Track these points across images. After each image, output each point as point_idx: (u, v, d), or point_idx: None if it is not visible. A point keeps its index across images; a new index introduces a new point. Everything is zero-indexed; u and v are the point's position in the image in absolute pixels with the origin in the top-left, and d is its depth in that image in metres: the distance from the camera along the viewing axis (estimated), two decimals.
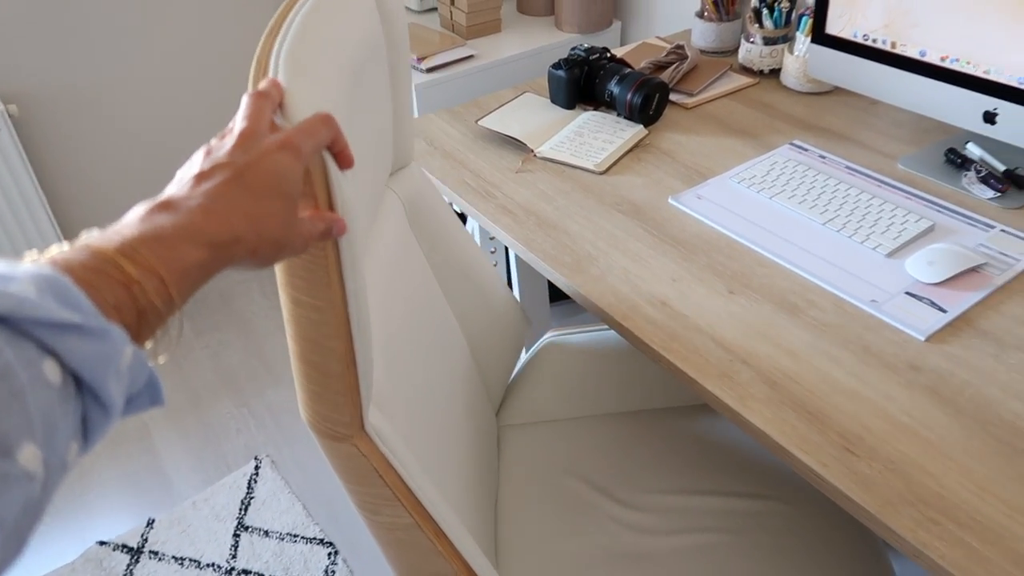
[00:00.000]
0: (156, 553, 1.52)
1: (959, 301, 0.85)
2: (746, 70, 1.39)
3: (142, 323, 0.39)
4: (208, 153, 0.47)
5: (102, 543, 1.55)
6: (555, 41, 1.81)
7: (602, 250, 0.98)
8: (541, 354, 1.18)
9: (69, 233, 2.00)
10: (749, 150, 1.17)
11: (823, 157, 1.12)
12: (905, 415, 0.73)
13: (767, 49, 1.35)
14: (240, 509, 1.60)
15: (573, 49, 1.30)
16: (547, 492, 1.01)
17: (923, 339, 0.81)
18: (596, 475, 1.02)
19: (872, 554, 0.91)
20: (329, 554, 1.50)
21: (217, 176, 0.45)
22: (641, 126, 1.22)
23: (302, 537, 1.53)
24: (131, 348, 0.37)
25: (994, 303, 0.85)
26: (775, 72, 1.37)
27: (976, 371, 0.77)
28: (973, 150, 1.09)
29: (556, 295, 1.77)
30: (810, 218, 0.99)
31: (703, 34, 1.46)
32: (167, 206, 0.42)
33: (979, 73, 1.01)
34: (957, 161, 1.07)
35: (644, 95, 1.20)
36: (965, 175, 1.05)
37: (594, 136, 1.20)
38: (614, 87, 1.23)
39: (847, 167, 1.10)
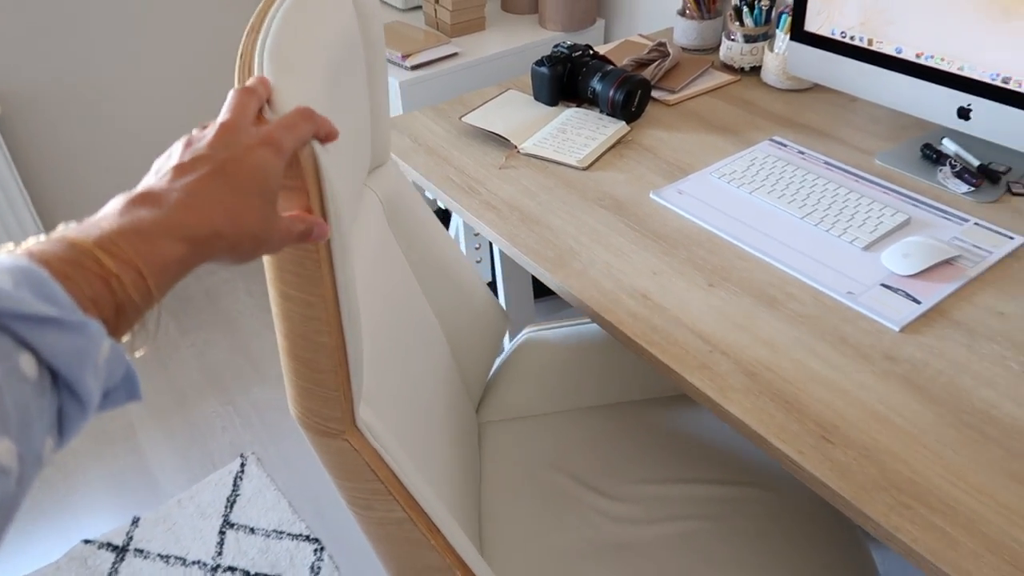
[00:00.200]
0: (141, 551, 1.52)
1: (933, 293, 0.87)
2: (727, 67, 1.41)
3: (120, 317, 0.39)
4: (188, 144, 0.47)
5: (87, 542, 1.55)
6: (539, 39, 1.82)
7: (584, 245, 0.99)
8: (519, 350, 1.19)
9: (51, 228, 2.00)
10: (730, 146, 1.18)
11: (802, 153, 1.14)
12: (880, 404, 0.75)
13: (748, 47, 1.36)
14: (226, 506, 1.60)
15: (556, 46, 1.31)
16: (529, 487, 1.02)
17: (898, 330, 0.82)
18: (577, 468, 1.03)
19: (849, 535, 0.93)
20: (315, 550, 1.50)
21: (198, 169, 0.45)
22: (623, 123, 1.24)
23: (288, 534, 1.53)
24: (108, 342, 0.37)
25: (967, 294, 0.87)
26: (756, 69, 1.38)
27: (949, 361, 0.79)
28: (948, 146, 1.11)
29: (540, 291, 1.78)
30: (789, 212, 1.01)
31: (685, 32, 1.48)
32: (146, 199, 0.42)
33: (953, 69, 1.03)
34: (933, 156, 1.09)
35: (626, 92, 1.21)
36: (940, 170, 1.07)
37: (577, 132, 1.21)
38: (596, 84, 1.24)
39: (825, 162, 1.11)
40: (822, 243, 0.95)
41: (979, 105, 1.01)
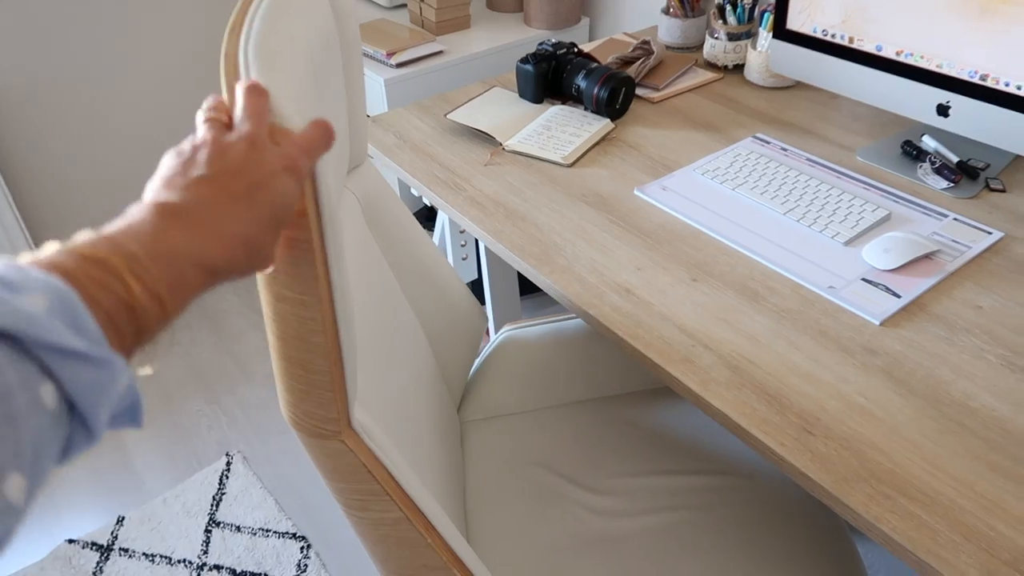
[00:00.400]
0: (126, 550, 1.51)
1: (913, 287, 0.88)
2: (711, 65, 1.42)
3: (136, 341, 0.39)
4: (215, 147, 0.46)
5: (71, 541, 1.54)
6: (524, 37, 1.83)
7: (569, 240, 0.99)
8: (499, 349, 1.19)
9: (35, 230, 1.98)
10: (713, 143, 1.19)
11: (784, 149, 1.15)
12: (860, 396, 0.76)
13: (731, 45, 1.37)
14: (211, 505, 1.59)
15: (541, 44, 1.31)
16: (513, 484, 1.02)
17: (878, 323, 0.83)
18: (560, 464, 1.04)
19: (831, 523, 0.94)
20: (302, 548, 1.50)
21: (226, 188, 0.44)
22: (608, 120, 1.24)
23: (274, 532, 1.53)
24: (127, 375, 0.36)
25: (946, 288, 0.88)
26: (739, 67, 1.40)
27: (928, 353, 0.80)
28: (928, 142, 1.12)
29: (526, 288, 1.79)
30: (771, 208, 1.02)
31: (669, 30, 1.49)
32: (178, 217, 0.41)
33: (932, 67, 1.04)
34: (913, 153, 1.10)
35: (610, 89, 1.22)
36: (920, 166, 1.08)
37: (561, 129, 1.22)
38: (581, 81, 1.25)
39: (807, 159, 1.12)
40: (804, 238, 0.96)
41: (958, 102, 1.03)
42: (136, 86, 2.03)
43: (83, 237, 0.39)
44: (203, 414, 1.83)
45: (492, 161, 1.18)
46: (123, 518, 1.58)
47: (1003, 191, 1.04)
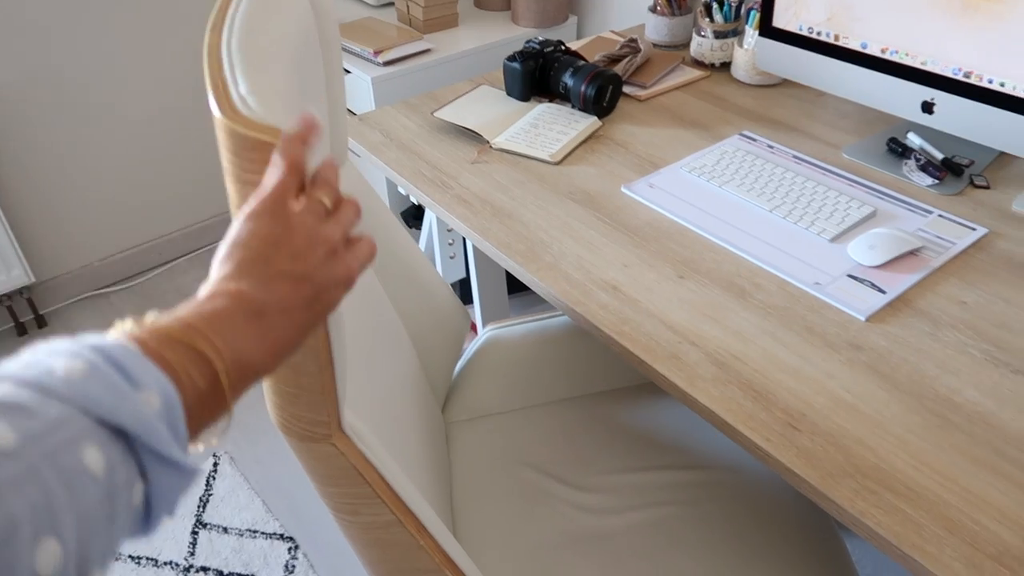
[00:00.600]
0: None
1: (898, 283, 0.88)
2: (698, 63, 1.42)
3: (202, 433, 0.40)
4: (304, 242, 0.45)
5: None
6: (511, 35, 1.82)
7: (556, 238, 0.99)
8: (482, 349, 1.18)
9: (24, 239, 1.96)
10: (700, 140, 1.19)
11: (771, 147, 1.15)
12: (846, 392, 0.76)
13: (718, 43, 1.37)
14: (198, 506, 1.58)
15: (528, 42, 1.31)
16: (500, 484, 1.02)
17: (864, 319, 0.84)
18: (547, 462, 1.04)
19: (818, 516, 0.95)
20: (289, 549, 1.49)
21: (302, 291, 0.45)
22: (595, 117, 1.24)
23: (262, 532, 1.52)
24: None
25: (931, 284, 0.88)
26: (726, 65, 1.40)
27: (913, 349, 0.80)
28: (913, 139, 1.13)
29: (515, 287, 1.79)
30: (758, 205, 1.02)
31: (656, 28, 1.49)
32: (258, 315, 0.42)
33: (917, 64, 1.04)
34: (898, 150, 1.11)
35: (597, 87, 1.22)
36: (905, 163, 1.08)
37: (549, 127, 1.22)
38: (568, 79, 1.25)
39: (794, 156, 1.13)
40: (790, 235, 0.96)
41: (942, 99, 1.03)
42: (120, 88, 2.01)
43: (174, 320, 0.39)
44: None
45: (479, 159, 1.17)
46: None
47: (987, 187, 1.04)
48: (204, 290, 0.43)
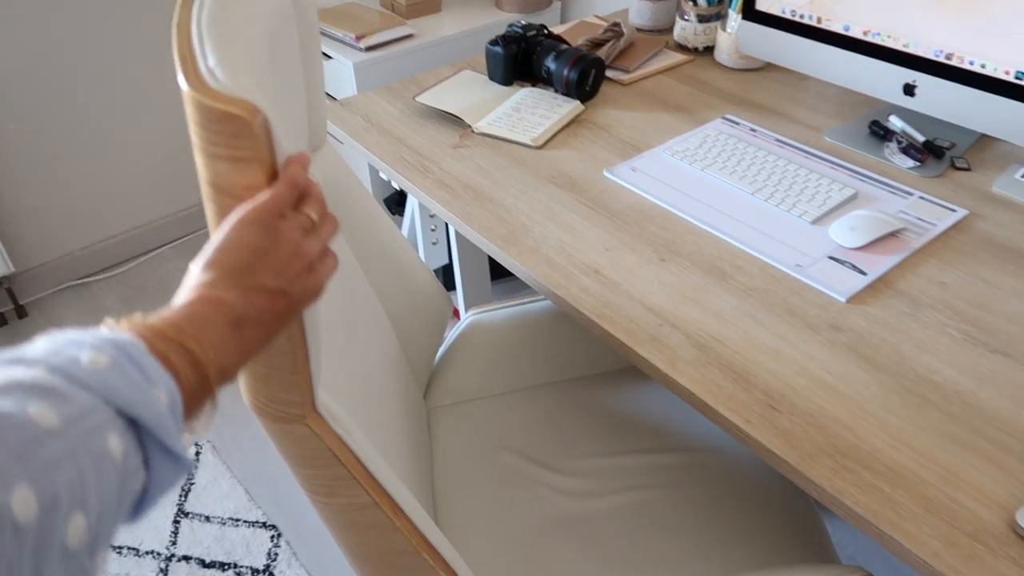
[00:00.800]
0: None
1: (879, 264, 0.88)
2: (681, 47, 1.42)
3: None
4: (289, 258, 0.48)
5: None
6: (495, 20, 1.81)
7: (537, 222, 0.99)
8: (464, 334, 1.18)
9: (3, 228, 1.94)
10: (683, 124, 1.19)
11: (754, 130, 1.15)
12: (826, 372, 0.76)
13: (701, 27, 1.37)
14: (180, 495, 1.57)
15: (510, 26, 1.30)
16: (481, 469, 1.01)
17: (844, 300, 0.84)
18: (528, 447, 1.03)
19: (798, 497, 0.95)
20: (272, 537, 1.49)
21: (278, 304, 0.48)
22: (578, 102, 1.23)
23: (244, 521, 1.52)
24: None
25: (911, 265, 0.88)
26: (709, 49, 1.39)
27: (893, 329, 0.80)
28: (895, 122, 1.13)
29: (498, 273, 1.78)
30: (740, 188, 1.01)
31: (639, 12, 1.48)
32: (240, 326, 0.45)
33: (899, 47, 1.04)
34: (880, 133, 1.11)
35: (580, 71, 1.21)
36: (887, 146, 1.08)
37: (531, 112, 1.21)
38: (551, 63, 1.24)
39: (776, 139, 1.12)
40: (772, 218, 0.96)
41: (924, 81, 1.03)
42: (109, 74, 1.99)
43: (164, 321, 0.42)
44: None
45: (461, 143, 1.16)
46: None
47: (968, 170, 1.04)
48: (186, 290, 0.45)
